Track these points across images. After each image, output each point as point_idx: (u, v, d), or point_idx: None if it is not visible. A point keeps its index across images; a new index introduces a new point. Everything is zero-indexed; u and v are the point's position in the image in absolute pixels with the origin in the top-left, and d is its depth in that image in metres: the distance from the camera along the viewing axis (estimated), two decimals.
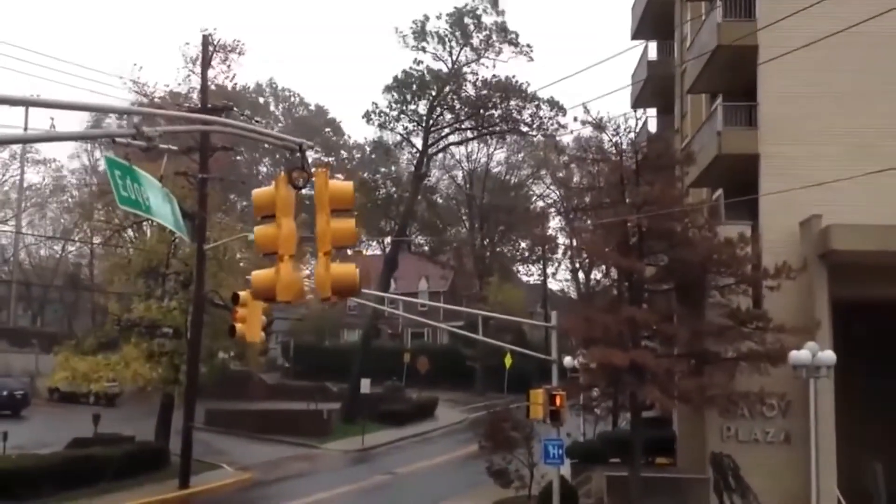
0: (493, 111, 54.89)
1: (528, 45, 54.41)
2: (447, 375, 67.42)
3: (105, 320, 38.60)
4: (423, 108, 55.78)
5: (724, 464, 24.09)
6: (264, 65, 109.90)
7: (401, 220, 58.43)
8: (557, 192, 74.09)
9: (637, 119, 29.53)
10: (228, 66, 35.35)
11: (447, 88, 55.12)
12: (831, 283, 24.37)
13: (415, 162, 57.67)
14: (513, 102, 54.57)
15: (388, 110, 56.42)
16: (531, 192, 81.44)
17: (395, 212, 60.06)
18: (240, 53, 35.68)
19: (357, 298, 30.76)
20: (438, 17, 55.73)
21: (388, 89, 55.93)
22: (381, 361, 59.69)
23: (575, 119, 57.62)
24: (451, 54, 54.94)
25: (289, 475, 35.39)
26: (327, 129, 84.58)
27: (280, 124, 78.87)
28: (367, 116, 56.99)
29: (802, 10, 21.38)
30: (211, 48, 33.42)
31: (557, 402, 23.42)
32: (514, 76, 55.30)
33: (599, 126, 25.99)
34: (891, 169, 22.69)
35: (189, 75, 36.61)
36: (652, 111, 41.52)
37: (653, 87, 38.24)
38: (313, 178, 9.88)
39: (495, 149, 76.24)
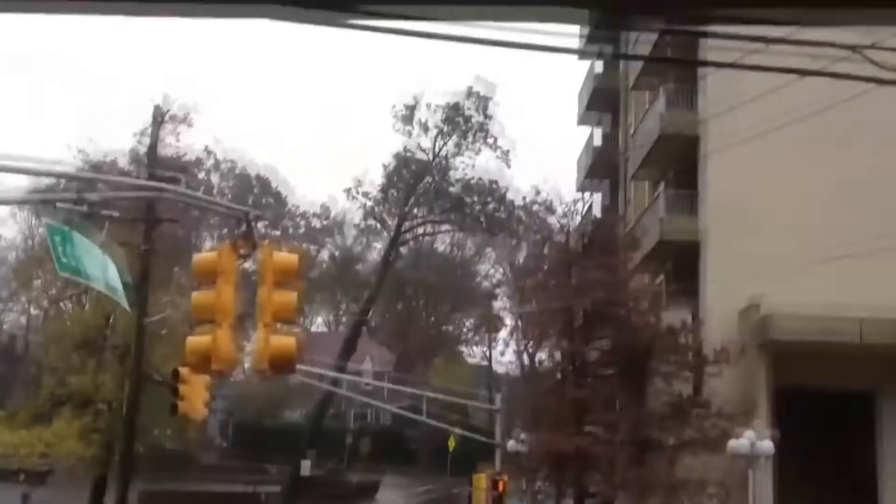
0: (469, 210, 55.28)
1: (506, 152, 54.83)
2: (390, 456, 66.38)
3: (39, 393, 37.49)
4: (397, 192, 56.10)
5: None
6: (210, 130, 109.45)
7: (364, 304, 58.36)
8: (502, 273, 74.51)
9: (583, 202, 29.97)
10: (177, 139, 35.43)
11: (427, 179, 55.40)
12: (771, 370, 24.63)
13: (384, 246, 57.88)
14: (490, 206, 55.00)
15: (373, 190, 56.63)
16: (477, 271, 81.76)
17: (353, 292, 59.90)
18: (189, 125, 35.83)
19: (300, 376, 30.40)
20: (428, 107, 55.72)
21: (385, 169, 56.26)
22: (323, 441, 58.72)
23: (524, 198, 58.17)
24: (434, 145, 55.34)
25: None
26: (270, 199, 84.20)
27: (225, 193, 78.40)
28: (349, 192, 56.91)
29: (744, 100, 22.02)
30: (160, 118, 33.41)
31: (500, 487, 23.17)
32: (494, 181, 55.39)
33: (549, 208, 26.32)
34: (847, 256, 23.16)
35: (137, 145, 36.60)
36: (597, 195, 42.17)
37: (598, 172, 38.89)
38: (258, 249, 9.79)
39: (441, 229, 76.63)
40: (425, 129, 54.89)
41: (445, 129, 54.73)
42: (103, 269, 13.39)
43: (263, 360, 9.26)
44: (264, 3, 1.52)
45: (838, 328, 23.81)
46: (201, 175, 73.65)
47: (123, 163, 37.68)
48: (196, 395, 20.05)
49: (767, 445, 22.09)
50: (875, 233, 25.07)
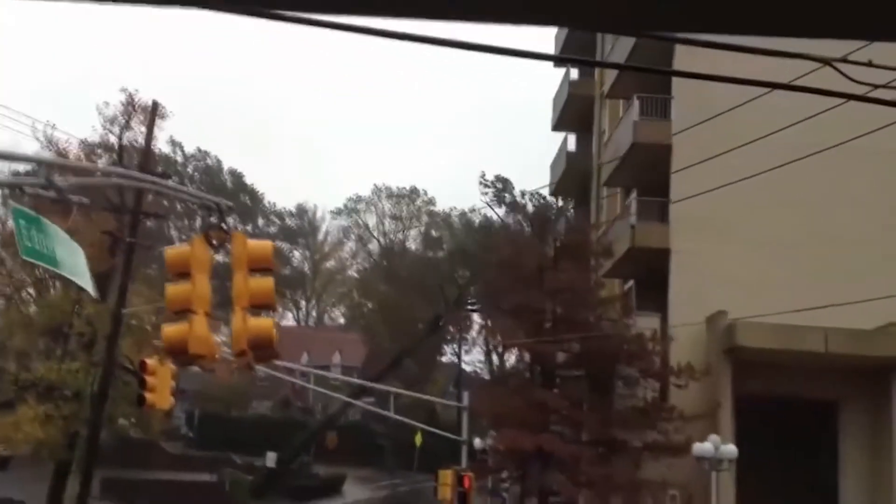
0: None
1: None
2: (357, 451, 66.39)
3: (2, 378, 37.20)
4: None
5: None
6: (181, 125, 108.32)
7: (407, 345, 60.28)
8: (472, 273, 74.76)
9: (555, 207, 30.20)
10: (149, 129, 35.17)
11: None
12: (735, 377, 24.97)
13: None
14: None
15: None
16: (448, 270, 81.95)
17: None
18: (161, 116, 35.52)
19: (267, 369, 30.39)
20: (523, 195, 55.81)
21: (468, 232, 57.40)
22: (290, 435, 58.69)
23: (498, 200, 58.44)
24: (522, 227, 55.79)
25: None
26: (245, 195, 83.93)
27: (194, 184, 78.17)
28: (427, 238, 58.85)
29: (715, 115, 22.27)
30: (131, 108, 33.20)
31: (466, 483, 23.32)
32: None
33: (520, 208, 26.53)
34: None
35: (107, 134, 36.21)
36: (570, 201, 42.41)
37: (571, 179, 39.10)
38: (230, 239, 9.83)
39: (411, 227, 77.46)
40: (514, 209, 54.73)
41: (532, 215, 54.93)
42: (71, 255, 13.32)
43: (242, 341, 9.25)
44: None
45: (803, 337, 24.19)
46: (166, 167, 73.63)
47: (79, 149, 37.21)
48: (163, 384, 20.08)
49: (731, 449, 22.42)
50: (842, 247, 25.51)
